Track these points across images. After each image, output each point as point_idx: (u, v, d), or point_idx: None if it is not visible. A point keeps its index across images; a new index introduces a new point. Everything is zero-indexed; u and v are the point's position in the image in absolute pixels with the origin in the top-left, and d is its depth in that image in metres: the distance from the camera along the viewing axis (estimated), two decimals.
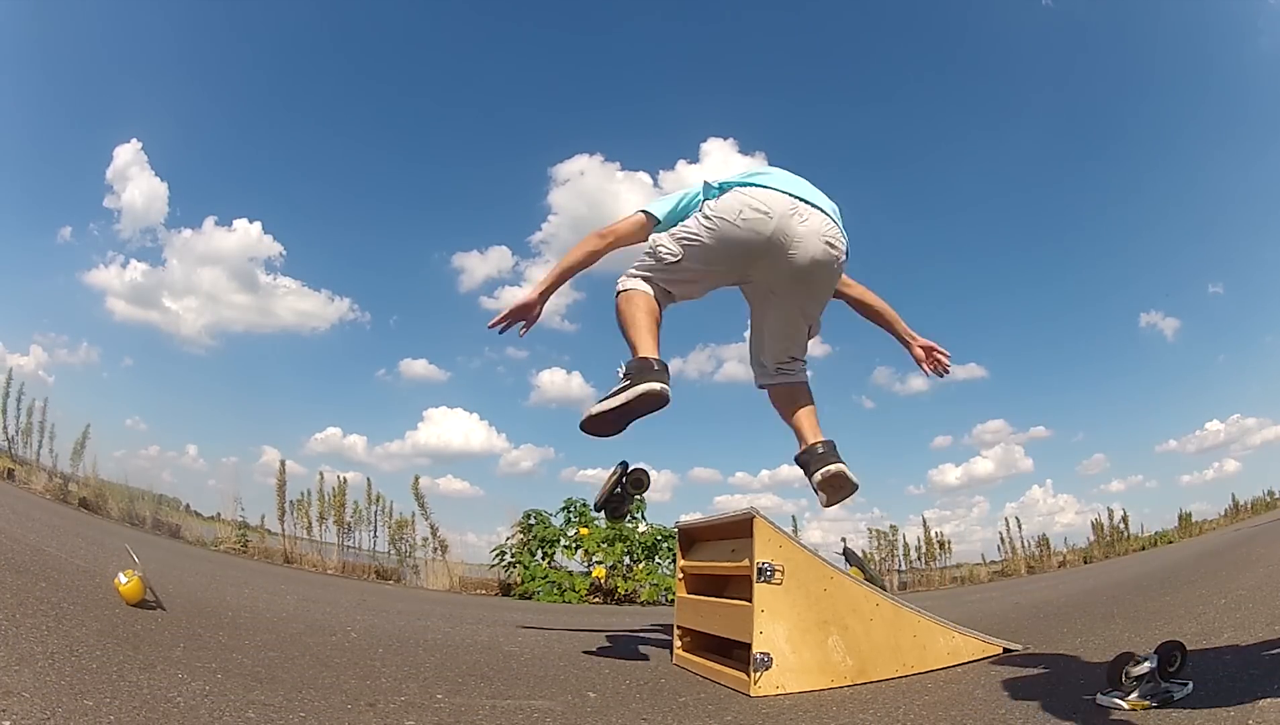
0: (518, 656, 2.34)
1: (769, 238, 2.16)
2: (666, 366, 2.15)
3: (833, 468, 2.20)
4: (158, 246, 12.06)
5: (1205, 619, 2.43)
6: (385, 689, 1.65)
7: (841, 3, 14.60)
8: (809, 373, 2.51)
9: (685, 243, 2.23)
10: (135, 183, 11.13)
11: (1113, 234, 14.33)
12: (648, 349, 2.16)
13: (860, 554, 2.80)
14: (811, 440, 2.34)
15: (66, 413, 7.37)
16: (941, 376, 2.68)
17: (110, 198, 11.38)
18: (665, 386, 2.08)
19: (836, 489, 2.24)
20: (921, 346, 2.66)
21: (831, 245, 2.20)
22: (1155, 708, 1.36)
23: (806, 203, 2.21)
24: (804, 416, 2.42)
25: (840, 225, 2.26)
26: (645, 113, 15.27)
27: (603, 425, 2.09)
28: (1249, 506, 10.87)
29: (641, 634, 3.24)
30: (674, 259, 2.24)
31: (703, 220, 2.21)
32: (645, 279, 2.30)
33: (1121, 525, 9.92)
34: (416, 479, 7.14)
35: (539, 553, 6.33)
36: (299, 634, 2.25)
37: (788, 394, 2.45)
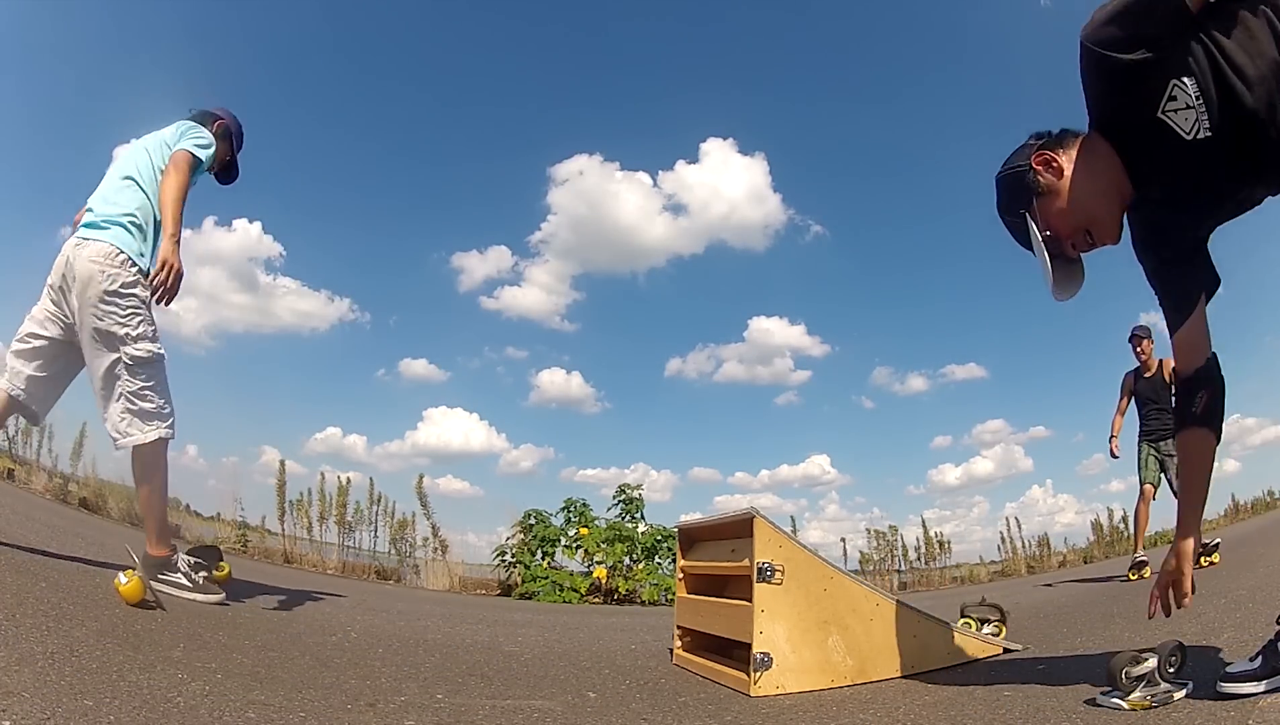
0: (518, 656, 2.34)
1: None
2: None
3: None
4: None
5: (1205, 619, 2.43)
6: (385, 689, 1.65)
7: (841, 4, 14.63)
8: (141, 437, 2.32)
9: None
10: None
11: None
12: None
13: (996, 611, 2.61)
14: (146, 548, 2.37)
15: (66, 412, 7.38)
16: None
17: None
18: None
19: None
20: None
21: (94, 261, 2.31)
22: (1155, 707, 1.36)
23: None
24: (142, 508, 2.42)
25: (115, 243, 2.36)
26: (645, 113, 15.29)
27: None
28: (1249, 506, 10.88)
29: (642, 634, 3.24)
30: None
31: None
32: None
33: (1121, 525, 9.92)
34: (420, 478, 7.15)
35: (539, 553, 6.32)
36: (299, 634, 2.25)
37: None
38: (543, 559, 6.31)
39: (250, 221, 12.35)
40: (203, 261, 12.61)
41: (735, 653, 2.07)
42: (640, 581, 6.12)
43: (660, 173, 13.92)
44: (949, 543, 9.54)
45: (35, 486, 6.42)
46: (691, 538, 2.62)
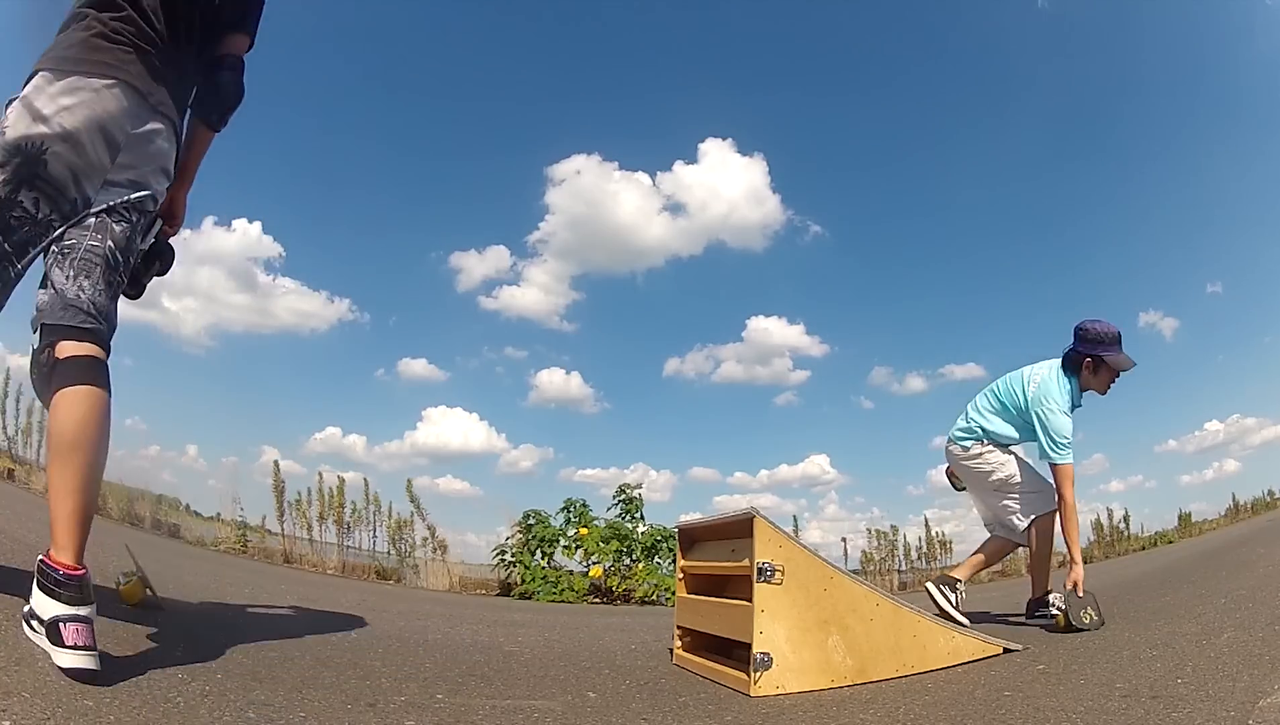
0: (518, 656, 2.34)
1: None
2: None
3: None
4: None
5: (1205, 619, 2.43)
6: (385, 689, 1.65)
7: (838, 4, 14.63)
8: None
9: None
10: None
11: (1111, 233, 14.36)
12: None
13: (1081, 612, 2.64)
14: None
15: None
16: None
17: None
18: None
19: None
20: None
21: None
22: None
23: None
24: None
25: None
26: (643, 112, 15.26)
27: None
28: (1249, 506, 10.87)
29: (641, 634, 3.24)
30: None
31: None
32: None
33: (1121, 525, 9.91)
34: (410, 482, 7.13)
35: (538, 552, 6.33)
36: (299, 634, 2.25)
37: None
38: (542, 559, 6.31)
39: (250, 221, 12.31)
40: (202, 261, 12.58)
41: (735, 653, 2.07)
42: (640, 580, 6.12)
43: (659, 173, 13.88)
44: (951, 542, 9.53)
45: (35, 486, 6.42)
46: (691, 538, 2.62)
